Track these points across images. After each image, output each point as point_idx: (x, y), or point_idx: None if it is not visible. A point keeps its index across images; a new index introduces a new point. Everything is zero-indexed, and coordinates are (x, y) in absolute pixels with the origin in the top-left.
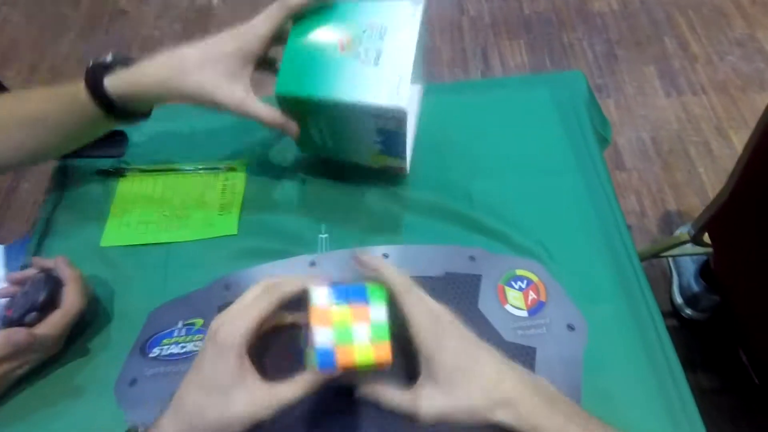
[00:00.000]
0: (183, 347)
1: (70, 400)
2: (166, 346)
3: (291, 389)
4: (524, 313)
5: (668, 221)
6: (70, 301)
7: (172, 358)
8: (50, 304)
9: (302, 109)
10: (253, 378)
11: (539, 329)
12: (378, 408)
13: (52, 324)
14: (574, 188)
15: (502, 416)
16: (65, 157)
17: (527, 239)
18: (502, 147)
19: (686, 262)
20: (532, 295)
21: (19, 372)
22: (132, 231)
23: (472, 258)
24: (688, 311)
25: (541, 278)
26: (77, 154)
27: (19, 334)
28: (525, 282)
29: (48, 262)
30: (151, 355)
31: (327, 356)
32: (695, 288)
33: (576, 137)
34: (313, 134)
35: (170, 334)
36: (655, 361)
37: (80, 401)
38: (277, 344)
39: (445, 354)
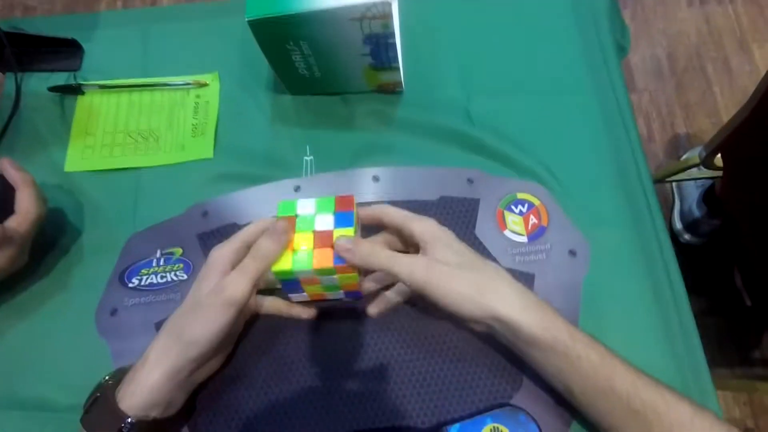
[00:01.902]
0: (163, 277)
1: (51, 331)
2: (145, 276)
3: (250, 260)
4: (524, 239)
5: (676, 145)
6: (25, 206)
7: (152, 288)
8: (2, 210)
9: (279, 34)
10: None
11: (539, 255)
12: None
13: (16, 223)
14: (586, 109)
15: (503, 307)
16: (10, 70)
17: (530, 161)
18: (505, 60)
19: (689, 188)
20: (533, 219)
21: None
22: (97, 155)
23: (470, 180)
24: (687, 236)
25: (544, 202)
26: (25, 68)
27: None
28: (526, 206)
29: None
30: (130, 285)
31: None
32: (696, 213)
33: (594, 51)
34: (298, 65)
35: (149, 264)
36: (660, 289)
37: (61, 331)
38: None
39: (448, 251)
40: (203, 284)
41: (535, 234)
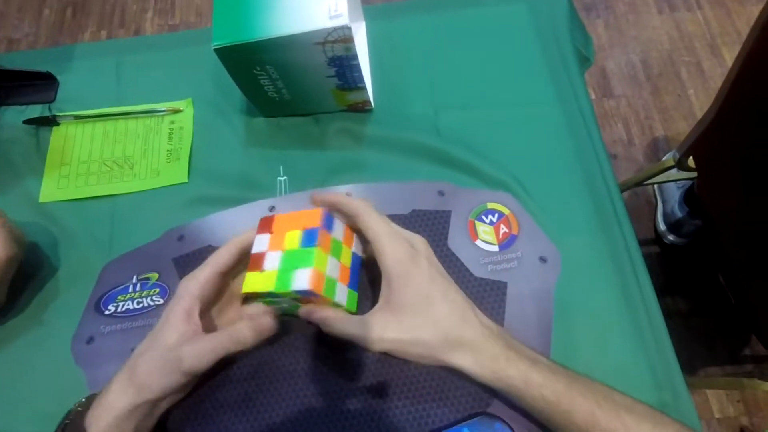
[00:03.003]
0: (139, 302)
1: (27, 363)
2: (121, 302)
3: (224, 338)
4: (495, 248)
5: (655, 149)
6: None
7: (129, 314)
8: None
9: (246, 59)
10: (193, 330)
11: (510, 263)
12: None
13: None
14: (551, 119)
15: (458, 360)
16: None
17: (499, 172)
18: (471, 74)
19: (671, 190)
20: (503, 228)
21: None
22: (72, 184)
23: (440, 193)
24: (671, 237)
25: (513, 211)
26: (0, 102)
27: None
28: (496, 215)
29: None
30: (106, 312)
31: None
32: (678, 214)
33: (555, 62)
34: (267, 89)
35: (125, 290)
36: (629, 292)
37: (37, 362)
38: None
39: (408, 280)
40: (167, 326)
41: (506, 243)
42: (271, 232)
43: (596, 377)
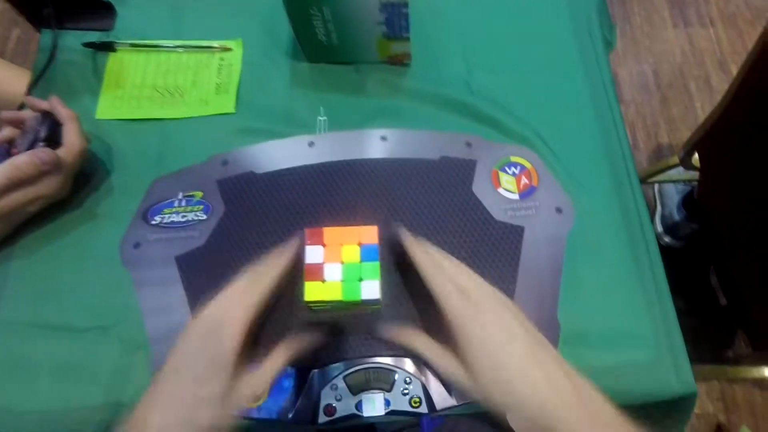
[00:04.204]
0: (184, 216)
1: (76, 259)
2: (167, 215)
3: (272, 363)
4: (515, 196)
5: (659, 155)
6: (71, 139)
7: (173, 226)
8: (52, 142)
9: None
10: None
11: (529, 210)
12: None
13: (64, 154)
14: (576, 86)
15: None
16: (48, 27)
17: (524, 129)
18: (505, 40)
19: (670, 194)
20: (524, 180)
21: (31, 209)
22: (125, 105)
23: (468, 144)
24: (667, 239)
25: (535, 165)
26: (62, 26)
27: (44, 151)
28: (518, 168)
29: (42, 103)
30: (153, 222)
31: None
32: (676, 217)
33: (583, 36)
34: (318, 30)
35: (170, 204)
36: (636, 246)
37: (87, 260)
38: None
39: (480, 348)
40: (200, 362)
41: (526, 192)
42: (324, 245)
43: (599, 320)
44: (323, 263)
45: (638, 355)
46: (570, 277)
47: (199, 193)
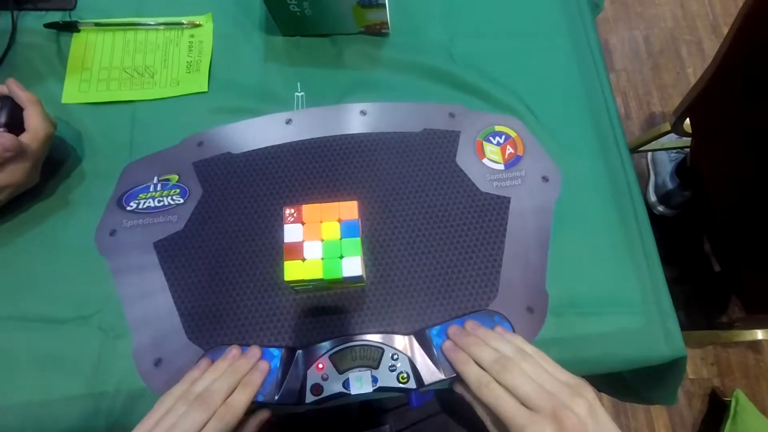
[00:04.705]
0: (160, 201)
1: (52, 249)
2: (143, 200)
3: None
4: (501, 166)
5: (651, 123)
6: (35, 123)
7: (149, 211)
8: (13, 128)
9: None
10: None
11: (515, 181)
12: None
13: (28, 139)
14: (561, 50)
15: None
16: (6, 8)
17: (508, 97)
18: (486, 4)
19: (664, 163)
20: (509, 149)
21: (0, 198)
22: (92, 88)
23: (451, 115)
24: (660, 208)
25: (520, 134)
26: (21, 6)
27: (5, 136)
28: (503, 137)
29: None
30: (128, 208)
31: None
32: (669, 185)
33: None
34: (290, 1)
35: (146, 189)
36: (624, 211)
37: (62, 249)
38: None
39: None
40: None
41: (512, 162)
42: (303, 223)
43: (588, 287)
44: (303, 241)
45: (628, 321)
46: (558, 245)
47: (175, 177)
